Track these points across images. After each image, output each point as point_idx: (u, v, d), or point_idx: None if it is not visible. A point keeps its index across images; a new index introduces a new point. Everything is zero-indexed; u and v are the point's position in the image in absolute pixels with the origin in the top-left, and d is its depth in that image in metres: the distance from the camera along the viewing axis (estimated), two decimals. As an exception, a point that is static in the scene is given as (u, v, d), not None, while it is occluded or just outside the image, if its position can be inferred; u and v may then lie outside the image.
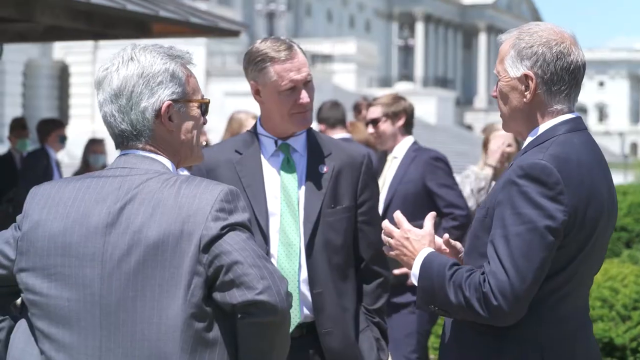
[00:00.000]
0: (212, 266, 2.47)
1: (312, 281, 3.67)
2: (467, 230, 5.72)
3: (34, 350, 2.58)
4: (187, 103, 2.68)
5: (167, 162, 2.65)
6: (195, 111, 2.70)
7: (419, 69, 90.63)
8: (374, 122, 6.21)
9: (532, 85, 3.01)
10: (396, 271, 5.26)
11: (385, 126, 6.16)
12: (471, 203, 6.51)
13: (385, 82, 78.13)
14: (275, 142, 3.77)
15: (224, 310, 2.51)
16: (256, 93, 3.75)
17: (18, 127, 10.49)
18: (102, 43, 42.77)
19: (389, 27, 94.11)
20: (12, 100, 48.13)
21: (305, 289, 3.66)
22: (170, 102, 2.64)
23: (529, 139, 3.07)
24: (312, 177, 3.73)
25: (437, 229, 5.57)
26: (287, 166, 3.75)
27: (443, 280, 2.95)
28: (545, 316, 2.95)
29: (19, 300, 2.73)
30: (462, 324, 3.05)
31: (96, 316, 2.50)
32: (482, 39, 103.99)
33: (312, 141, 3.82)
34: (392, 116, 6.15)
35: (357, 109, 12.04)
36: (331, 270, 3.70)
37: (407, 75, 76.90)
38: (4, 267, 2.62)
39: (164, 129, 2.64)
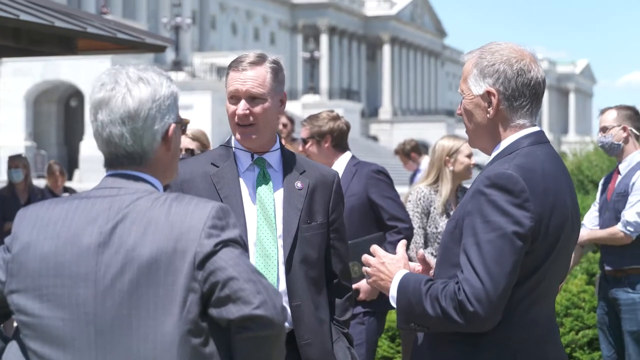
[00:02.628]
0: (207, 282, 2.48)
1: (291, 293, 3.74)
2: (410, 243, 5.85)
3: None
4: (179, 124, 2.71)
5: (156, 182, 2.66)
6: (180, 131, 2.75)
7: (324, 81, 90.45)
8: (304, 141, 6.25)
9: (494, 101, 3.10)
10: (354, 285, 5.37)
11: (312, 148, 6.17)
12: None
13: (292, 95, 77.77)
14: (252, 156, 3.82)
15: (219, 325, 2.52)
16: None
17: None
18: (5, 60, 42.00)
19: (294, 40, 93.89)
20: None
21: (284, 301, 3.73)
22: (174, 124, 2.68)
23: (494, 153, 3.16)
24: (289, 192, 3.79)
25: (383, 243, 5.71)
26: (263, 180, 3.80)
27: (420, 296, 3.01)
28: (516, 321, 3.01)
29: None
30: (435, 334, 3.11)
31: (91, 335, 2.50)
32: (386, 50, 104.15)
33: (287, 158, 3.88)
34: (319, 137, 6.15)
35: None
36: (308, 283, 3.78)
37: (313, 87, 76.75)
38: None
39: (164, 150, 2.66)
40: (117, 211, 2.55)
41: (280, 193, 3.81)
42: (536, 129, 3.18)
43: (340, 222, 3.95)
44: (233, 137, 3.90)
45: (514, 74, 3.11)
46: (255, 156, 3.83)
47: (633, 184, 6.33)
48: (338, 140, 6.19)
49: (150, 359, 2.49)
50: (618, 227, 6.34)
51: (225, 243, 2.52)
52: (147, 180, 2.64)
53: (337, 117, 6.30)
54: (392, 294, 3.11)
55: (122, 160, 2.64)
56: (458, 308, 2.92)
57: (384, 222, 5.97)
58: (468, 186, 6.74)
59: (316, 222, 3.80)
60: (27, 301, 2.55)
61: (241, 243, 2.58)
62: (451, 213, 6.48)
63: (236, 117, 3.75)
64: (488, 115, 3.14)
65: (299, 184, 3.81)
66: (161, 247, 2.50)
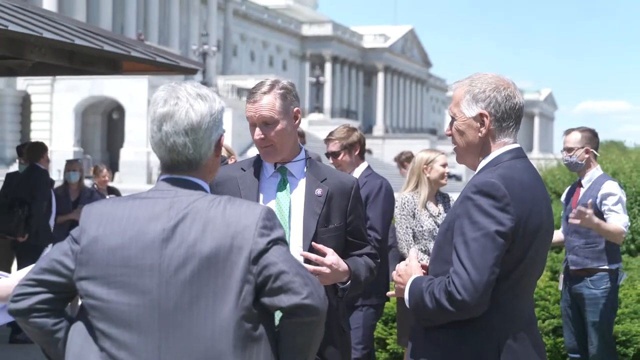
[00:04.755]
0: (260, 275, 2.47)
1: None
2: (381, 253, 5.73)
3: (92, 347, 2.55)
4: (222, 135, 2.71)
5: (205, 185, 2.66)
6: None
7: (327, 102, 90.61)
8: (334, 154, 6.18)
9: (487, 122, 3.10)
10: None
11: (345, 158, 6.14)
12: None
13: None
14: (275, 165, 3.78)
15: (267, 312, 2.53)
16: None
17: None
18: (59, 78, 42.27)
19: (303, 67, 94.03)
20: (-20, 124, 47.17)
21: None
22: (223, 134, 2.69)
23: (480, 165, 3.15)
24: (309, 199, 3.72)
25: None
26: (283, 186, 3.74)
27: (422, 293, 3.02)
28: (499, 312, 2.99)
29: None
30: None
31: (155, 318, 2.48)
32: (380, 77, 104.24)
33: (311, 168, 3.80)
34: (349, 148, 6.13)
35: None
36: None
37: (318, 107, 76.88)
38: (64, 275, 2.59)
39: (215, 156, 2.66)
40: (178, 211, 2.53)
41: (300, 199, 3.73)
42: (516, 145, 3.19)
43: (357, 223, 3.84)
44: None
45: (503, 99, 3.11)
46: (278, 165, 3.79)
47: (604, 194, 6.34)
48: (363, 147, 6.21)
49: (209, 340, 2.47)
50: (622, 227, 6.26)
51: (275, 241, 2.52)
52: (199, 184, 2.63)
53: (355, 129, 6.31)
54: (406, 297, 3.11)
55: (181, 166, 2.62)
56: (449, 297, 2.91)
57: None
58: (448, 193, 6.81)
59: (333, 225, 3.72)
60: (96, 287, 2.53)
61: (285, 241, 2.58)
62: (431, 211, 6.51)
63: (256, 141, 3.73)
64: (480, 134, 3.13)
65: (318, 191, 3.73)
66: (219, 243, 2.48)
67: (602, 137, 6.88)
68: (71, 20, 10.02)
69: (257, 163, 3.83)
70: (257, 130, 3.69)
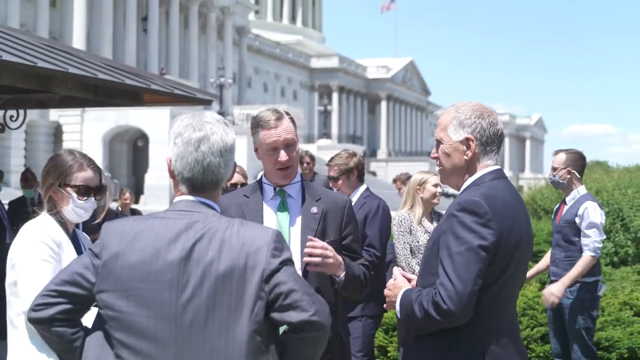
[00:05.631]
0: (272, 293, 2.48)
1: None
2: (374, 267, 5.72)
3: (108, 356, 2.54)
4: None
5: (217, 206, 2.66)
6: None
7: (334, 128, 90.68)
8: (334, 179, 6.19)
9: (472, 145, 3.11)
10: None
11: (343, 182, 6.16)
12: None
13: (309, 139, 78.12)
14: (274, 189, 3.78)
15: (274, 326, 2.53)
16: (255, 151, 3.78)
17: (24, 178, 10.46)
18: (88, 109, 42.47)
19: (312, 96, 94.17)
20: (16, 152, 47.29)
21: None
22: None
23: (464, 185, 3.14)
24: (306, 217, 3.73)
25: None
26: (283, 207, 3.75)
27: (411, 303, 3.01)
28: (483, 321, 2.98)
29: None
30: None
31: (172, 330, 2.48)
32: (383, 105, 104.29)
33: (306, 189, 3.82)
34: (347, 173, 6.15)
35: (299, 160, 12.23)
36: (320, 292, 3.66)
37: (326, 133, 76.82)
38: (84, 288, 2.59)
39: (227, 181, 2.70)
40: (196, 231, 2.53)
41: (298, 217, 3.75)
42: (497, 167, 3.18)
43: (351, 237, 3.86)
44: (262, 174, 3.87)
45: (488, 125, 3.13)
46: (277, 189, 3.78)
47: (581, 215, 6.39)
48: (361, 172, 6.21)
49: (223, 352, 2.47)
50: (586, 255, 6.38)
51: (285, 262, 2.53)
52: (212, 205, 2.63)
53: (354, 154, 6.31)
54: (397, 308, 3.10)
55: (208, 185, 2.64)
56: (436, 307, 2.90)
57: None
58: (441, 211, 6.80)
59: (329, 240, 3.71)
60: (115, 300, 2.52)
61: (293, 261, 2.59)
62: (426, 227, 6.50)
63: (279, 164, 3.72)
64: (465, 157, 3.13)
65: (314, 209, 3.75)
66: (234, 263, 2.49)
67: (589, 157, 6.90)
68: (95, 57, 10.05)
69: (257, 189, 3.83)
70: (283, 153, 3.70)
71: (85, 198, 3.47)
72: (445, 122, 3.17)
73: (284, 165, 3.72)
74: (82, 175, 3.47)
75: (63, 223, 3.46)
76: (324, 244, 3.58)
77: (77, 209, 3.47)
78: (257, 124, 3.74)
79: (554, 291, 6.31)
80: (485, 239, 2.92)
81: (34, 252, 3.27)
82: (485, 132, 3.12)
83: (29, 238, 3.32)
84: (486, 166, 3.14)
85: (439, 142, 3.21)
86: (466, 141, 3.12)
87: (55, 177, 3.46)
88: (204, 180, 2.62)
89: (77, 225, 3.62)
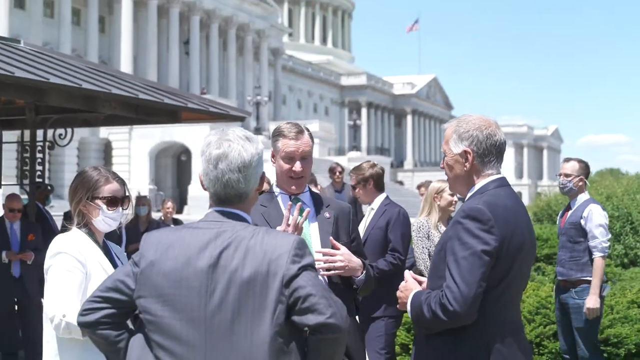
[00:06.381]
0: (292, 297, 2.47)
1: None
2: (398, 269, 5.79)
3: (148, 356, 2.56)
4: (263, 171, 2.74)
5: (247, 217, 2.67)
6: None
7: (364, 141, 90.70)
8: (353, 187, 6.32)
9: (470, 157, 3.09)
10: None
11: (361, 190, 6.24)
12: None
13: (340, 152, 78.26)
14: (290, 197, 3.82)
15: (297, 328, 2.52)
16: (272, 156, 3.82)
17: None
18: (135, 126, 42.90)
19: (342, 112, 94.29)
20: (69, 167, 47.80)
21: None
22: (264, 171, 2.73)
23: (469, 194, 3.12)
24: (321, 222, 3.78)
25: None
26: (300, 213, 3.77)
27: (421, 305, 3.00)
28: (487, 322, 2.96)
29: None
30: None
31: (202, 332, 2.49)
32: (409, 119, 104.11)
33: (314, 197, 3.88)
34: (364, 182, 6.21)
35: (332, 171, 12.31)
36: (339, 286, 3.73)
37: (355, 146, 76.70)
38: (125, 294, 2.61)
39: (257, 189, 2.67)
40: (223, 240, 2.53)
41: (314, 222, 3.79)
42: (500, 175, 3.15)
43: (358, 240, 3.96)
44: (275, 185, 3.90)
45: (484, 138, 3.10)
46: (292, 197, 3.82)
47: (586, 216, 6.41)
48: (378, 182, 6.23)
49: (248, 352, 2.47)
50: (596, 257, 6.38)
51: (305, 267, 2.51)
52: (242, 216, 2.64)
53: (374, 165, 6.35)
54: (408, 309, 3.09)
55: (232, 199, 2.63)
56: (442, 309, 2.89)
57: (388, 249, 6.00)
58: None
59: (342, 241, 3.78)
60: (152, 305, 2.54)
61: (314, 267, 2.57)
62: (442, 232, 6.44)
63: (292, 173, 3.74)
64: (465, 168, 3.12)
65: (327, 215, 3.80)
66: (257, 269, 2.48)
67: (602, 165, 6.99)
68: (138, 78, 10.15)
69: (272, 197, 3.86)
70: (298, 164, 3.73)
71: (114, 208, 3.49)
72: (448, 136, 3.17)
73: (297, 176, 3.76)
74: (109, 188, 3.50)
75: (93, 235, 3.49)
76: (345, 250, 3.62)
77: (106, 219, 3.49)
78: (279, 133, 3.79)
79: (590, 305, 6.34)
80: (488, 244, 2.90)
81: (59, 263, 3.31)
82: (482, 144, 3.09)
83: (55, 250, 3.36)
84: (488, 175, 3.11)
85: (445, 154, 3.21)
86: (464, 154, 3.11)
87: (84, 191, 3.49)
88: (227, 195, 2.62)
89: (107, 236, 3.64)
